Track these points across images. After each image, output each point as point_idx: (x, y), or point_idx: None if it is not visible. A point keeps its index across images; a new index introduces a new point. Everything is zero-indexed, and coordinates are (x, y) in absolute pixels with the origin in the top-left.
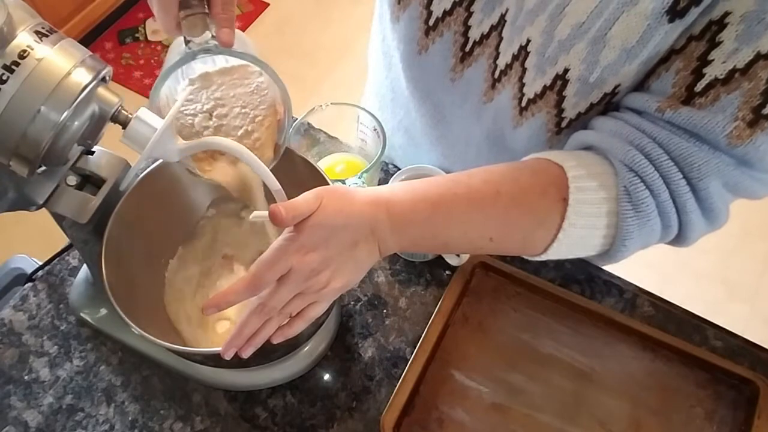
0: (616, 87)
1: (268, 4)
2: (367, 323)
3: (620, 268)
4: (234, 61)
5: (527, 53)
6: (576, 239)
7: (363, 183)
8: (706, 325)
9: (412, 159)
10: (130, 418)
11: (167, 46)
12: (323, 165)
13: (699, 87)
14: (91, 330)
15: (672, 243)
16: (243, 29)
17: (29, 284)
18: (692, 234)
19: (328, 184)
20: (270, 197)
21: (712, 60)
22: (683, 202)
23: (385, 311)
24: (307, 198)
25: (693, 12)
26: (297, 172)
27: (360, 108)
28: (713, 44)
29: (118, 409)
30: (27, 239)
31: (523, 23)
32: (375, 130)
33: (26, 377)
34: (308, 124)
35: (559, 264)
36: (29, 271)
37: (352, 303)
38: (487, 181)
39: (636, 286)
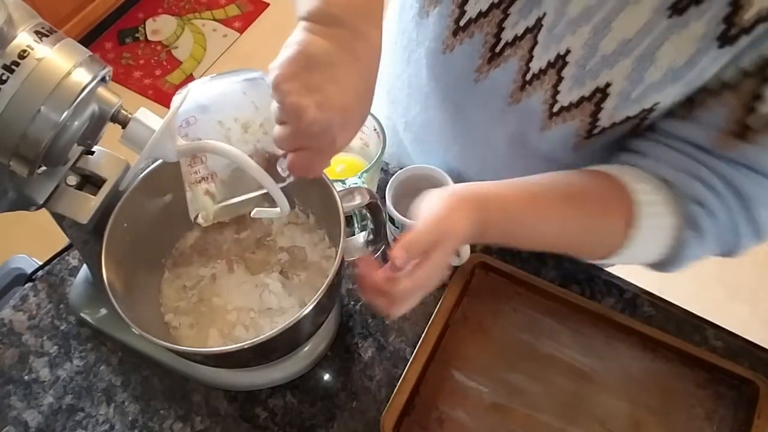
0: (655, 104)
1: (268, 4)
2: (367, 323)
3: (620, 268)
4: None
5: (565, 63)
6: (631, 258)
7: (363, 183)
8: (706, 325)
9: (422, 157)
10: (130, 418)
11: (167, 47)
12: None
13: (752, 122)
14: (91, 330)
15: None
16: (243, 29)
17: (29, 284)
18: (742, 251)
19: (327, 184)
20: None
21: (764, 96)
22: (740, 230)
23: None
24: (428, 234)
25: (744, 39)
26: None
27: None
28: (765, 80)
29: (118, 409)
30: (27, 239)
31: (563, 32)
32: (375, 130)
33: (26, 377)
34: None
35: (559, 264)
36: (29, 271)
37: (352, 303)
38: (571, 184)
39: (636, 286)
